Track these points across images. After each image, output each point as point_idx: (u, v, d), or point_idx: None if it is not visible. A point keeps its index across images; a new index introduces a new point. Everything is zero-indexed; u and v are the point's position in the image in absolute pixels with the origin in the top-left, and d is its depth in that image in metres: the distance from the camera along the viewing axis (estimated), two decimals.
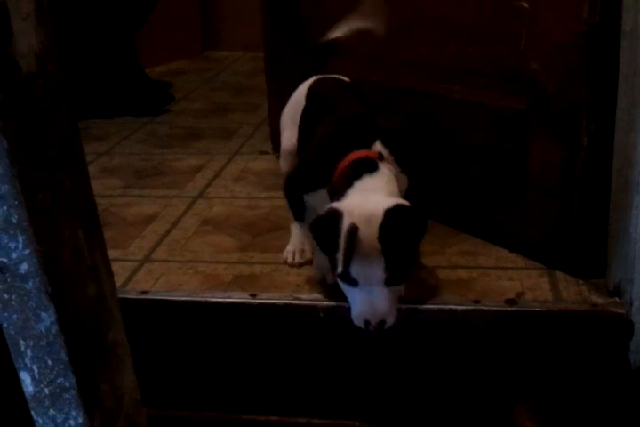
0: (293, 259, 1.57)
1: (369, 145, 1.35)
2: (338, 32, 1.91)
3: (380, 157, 1.33)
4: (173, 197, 1.97)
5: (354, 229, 1.18)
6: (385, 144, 1.36)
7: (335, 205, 1.25)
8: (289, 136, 1.65)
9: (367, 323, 1.22)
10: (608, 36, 1.33)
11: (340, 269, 1.19)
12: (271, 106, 2.23)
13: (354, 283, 1.22)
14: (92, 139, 2.46)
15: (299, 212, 1.52)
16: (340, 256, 1.18)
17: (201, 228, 1.78)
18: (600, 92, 1.36)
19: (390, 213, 1.21)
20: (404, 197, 1.34)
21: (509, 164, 1.54)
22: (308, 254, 1.57)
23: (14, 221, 0.68)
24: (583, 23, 1.33)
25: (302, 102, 1.61)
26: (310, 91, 1.62)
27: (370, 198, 1.25)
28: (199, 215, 1.85)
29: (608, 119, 1.36)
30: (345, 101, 1.53)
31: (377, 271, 1.19)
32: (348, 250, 1.17)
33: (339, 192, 1.30)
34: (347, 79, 1.65)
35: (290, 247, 1.60)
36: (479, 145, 1.59)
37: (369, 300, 1.21)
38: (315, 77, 1.67)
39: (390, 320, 1.23)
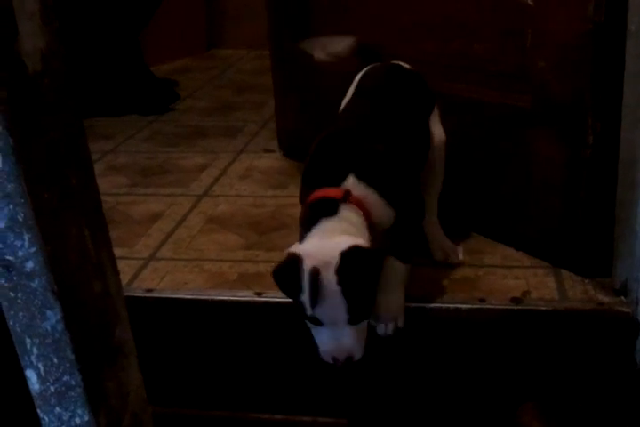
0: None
1: (339, 182, 1.28)
2: (345, 29, 1.90)
3: (345, 197, 1.26)
4: (179, 195, 1.98)
5: (316, 272, 1.18)
6: (361, 177, 1.28)
7: (294, 249, 1.24)
8: None
9: (335, 359, 1.23)
10: (614, 35, 1.33)
11: (308, 311, 1.19)
12: (277, 104, 2.24)
13: (319, 323, 1.22)
14: (98, 137, 2.46)
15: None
16: (305, 299, 1.19)
17: (206, 226, 1.78)
18: (606, 90, 1.36)
19: (345, 256, 1.19)
20: (391, 231, 1.33)
21: (514, 162, 1.54)
22: None
23: (20, 220, 0.68)
24: (589, 22, 1.33)
25: (351, 92, 1.54)
26: (359, 81, 1.54)
27: (327, 241, 1.23)
28: (205, 213, 1.85)
29: (614, 117, 1.36)
30: (349, 112, 1.46)
31: (340, 313, 1.19)
32: (313, 292, 1.18)
33: (301, 234, 1.30)
34: (406, 67, 1.55)
35: None
36: (483, 143, 1.59)
37: (334, 338, 1.22)
38: (371, 66, 1.57)
39: (357, 355, 1.23)
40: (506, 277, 1.49)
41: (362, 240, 1.23)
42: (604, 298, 1.40)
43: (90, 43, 2.70)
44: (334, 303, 1.18)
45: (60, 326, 0.71)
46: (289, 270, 1.22)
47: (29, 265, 0.69)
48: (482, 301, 1.41)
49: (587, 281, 1.46)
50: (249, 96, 2.97)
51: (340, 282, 1.17)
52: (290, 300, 1.43)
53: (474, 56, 1.57)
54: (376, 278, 1.25)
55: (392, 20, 1.75)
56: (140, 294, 1.48)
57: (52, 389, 0.74)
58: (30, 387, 0.76)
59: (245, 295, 1.47)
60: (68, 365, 0.73)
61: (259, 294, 1.46)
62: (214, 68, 3.56)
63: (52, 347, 0.73)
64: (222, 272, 1.56)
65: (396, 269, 1.34)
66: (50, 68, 0.68)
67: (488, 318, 1.40)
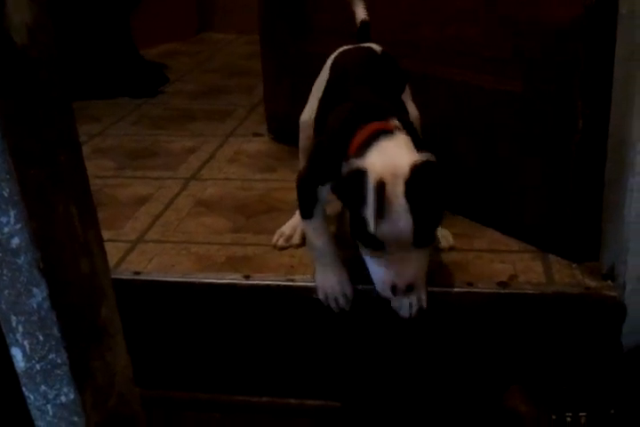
0: (277, 241, 1.57)
1: (385, 118, 1.26)
2: (336, 14, 1.89)
3: (398, 128, 1.23)
4: (167, 178, 1.97)
5: (382, 185, 1.11)
6: (401, 122, 1.27)
7: (356, 162, 1.17)
8: (309, 108, 1.56)
9: (394, 288, 1.16)
10: (605, 19, 1.33)
11: (371, 228, 1.11)
12: (266, 88, 2.23)
13: (379, 246, 1.15)
14: (86, 119, 2.44)
15: (308, 207, 1.36)
16: (369, 214, 1.11)
17: (194, 209, 1.77)
18: (596, 75, 1.36)
19: (416, 170, 1.13)
20: None
21: (505, 146, 1.54)
22: (295, 241, 1.56)
23: (5, 195, 0.67)
24: (580, 6, 1.33)
25: (326, 74, 1.54)
26: (334, 63, 1.54)
27: (392, 155, 1.16)
28: (193, 197, 1.84)
29: (604, 102, 1.36)
30: (358, 86, 1.43)
31: (405, 232, 1.12)
32: (379, 207, 1.10)
33: (359, 156, 1.19)
34: (378, 49, 1.54)
35: (281, 229, 1.60)
36: (475, 127, 1.59)
37: (398, 264, 1.15)
38: (342, 48, 1.57)
39: (419, 284, 1.18)
40: (493, 262, 1.49)
41: (430, 155, 1.17)
42: (591, 282, 1.41)
43: (79, 25, 2.68)
44: (400, 221, 1.12)
45: (47, 304, 0.71)
46: (352, 183, 1.15)
47: (15, 241, 0.69)
48: (470, 284, 1.41)
49: (574, 265, 1.46)
50: (238, 80, 2.95)
51: (408, 197, 1.11)
52: (277, 282, 1.44)
53: (468, 41, 1.56)
54: (445, 199, 1.19)
55: (388, 4, 1.74)
56: (127, 276, 1.48)
57: (38, 367, 0.74)
58: (15, 365, 0.75)
59: (233, 278, 1.47)
60: (53, 343, 0.72)
61: (246, 277, 1.46)
62: (204, 51, 3.54)
63: (38, 324, 0.72)
64: (210, 255, 1.55)
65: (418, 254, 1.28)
66: (37, 42, 0.67)
67: (476, 302, 1.40)
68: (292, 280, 1.45)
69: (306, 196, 1.36)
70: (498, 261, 1.49)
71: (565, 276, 1.43)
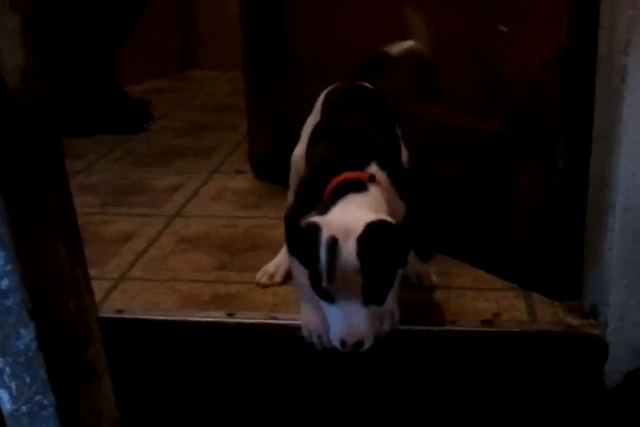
0: (260, 278, 1.58)
1: (362, 166, 1.28)
2: (318, 54, 1.92)
3: (372, 178, 1.26)
4: (151, 215, 1.97)
5: (334, 241, 1.12)
6: (382, 167, 1.29)
7: (314, 218, 1.19)
8: (300, 145, 1.58)
9: (343, 344, 1.17)
10: (585, 60, 1.35)
11: (323, 283, 1.12)
12: (250, 126, 2.24)
13: (331, 300, 1.17)
14: (70, 156, 2.42)
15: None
16: (321, 269, 1.12)
17: (178, 246, 1.77)
18: (576, 115, 1.38)
19: (371, 228, 1.14)
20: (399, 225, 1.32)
21: (486, 185, 1.55)
22: (277, 279, 1.57)
23: None
24: (561, 47, 1.35)
25: (318, 110, 1.56)
26: (325, 99, 1.56)
27: (351, 213, 1.19)
28: (177, 234, 1.84)
29: (584, 142, 1.38)
30: (349, 118, 1.44)
31: (355, 289, 1.14)
32: (330, 262, 1.11)
33: (323, 211, 1.22)
34: (369, 87, 1.57)
35: (265, 266, 1.60)
36: (455, 167, 1.60)
37: (346, 319, 1.16)
38: (333, 86, 1.59)
39: (367, 342, 1.17)
40: (476, 300, 1.50)
41: (389, 218, 1.18)
42: (573, 320, 1.41)
43: (64, 62, 2.69)
44: (350, 278, 1.13)
45: (34, 345, 0.71)
46: (306, 238, 1.16)
47: (4, 283, 0.69)
48: (453, 322, 1.42)
49: (556, 304, 1.47)
50: (222, 117, 2.97)
51: (359, 255, 1.12)
52: (261, 321, 1.44)
53: (447, 80, 1.59)
54: (400, 259, 1.19)
55: (365, 45, 1.76)
56: (110, 314, 1.47)
57: (24, 409, 0.74)
58: (2, 406, 0.75)
59: (217, 316, 1.46)
60: (40, 384, 0.72)
61: (230, 315, 1.46)
62: (188, 89, 3.56)
63: (25, 366, 0.72)
64: (194, 293, 1.55)
65: None
66: (29, 86, 0.68)
67: (459, 340, 1.40)
68: (276, 318, 1.45)
69: (291, 231, 1.35)
70: (481, 299, 1.50)
71: (548, 314, 1.44)
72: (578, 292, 1.46)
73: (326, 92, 1.59)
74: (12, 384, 0.73)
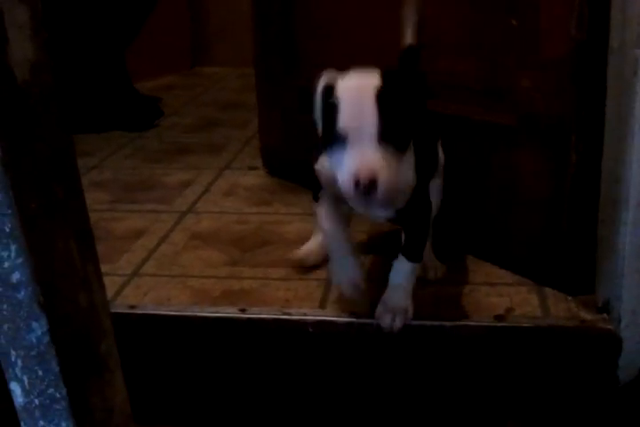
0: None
1: None
2: (329, 48, 1.91)
3: None
4: (162, 211, 1.97)
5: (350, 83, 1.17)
6: None
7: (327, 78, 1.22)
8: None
9: (357, 183, 1.12)
10: (596, 52, 1.34)
11: (340, 123, 1.13)
12: (261, 122, 2.24)
13: (344, 142, 1.14)
14: (81, 153, 2.45)
15: (315, 189, 1.39)
16: (339, 105, 1.14)
17: (190, 242, 1.77)
18: (589, 108, 1.37)
19: (390, 73, 1.18)
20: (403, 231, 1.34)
21: (499, 180, 1.55)
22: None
23: (7, 230, 0.67)
24: (572, 40, 1.35)
25: None
26: None
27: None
28: (188, 230, 1.84)
29: (597, 136, 1.37)
30: None
31: (370, 124, 1.13)
32: (331, 103, 1.15)
33: None
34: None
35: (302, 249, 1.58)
36: (468, 161, 1.60)
37: (359, 156, 1.12)
38: None
39: (383, 184, 1.11)
40: (489, 295, 1.49)
41: None
42: (586, 315, 1.41)
43: (75, 58, 2.70)
44: (365, 112, 1.13)
45: (46, 339, 0.71)
46: (324, 92, 1.19)
47: (16, 276, 0.69)
48: (465, 318, 1.41)
49: (570, 298, 1.47)
50: (233, 113, 2.97)
51: (378, 95, 1.14)
52: (273, 316, 1.44)
53: (460, 74, 1.58)
54: (420, 102, 1.21)
55: (379, 39, 1.76)
56: (123, 310, 1.47)
57: (37, 402, 0.74)
58: (14, 400, 0.75)
59: (229, 312, 1.46)
60: (52, 378, 0.72)
61: (242, 311, 1.46)
62: (199, 85, 3.56)
63: (37, 359, 0.72)
64: (206, 289, 1.55)
65: (405, 268, 1.36)
66: (38, 79, 0.68)
67: (472, 335, 1.40)
68: (289, 314, 1.45)
69: (314, 181, 1.37)
70: (494, 295, 1.49)
71: (561, 309, 1.43)
72: (591, 286, 1.46)
73: None
74: (25, 378, 0.73)
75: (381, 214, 1.36)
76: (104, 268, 1.60)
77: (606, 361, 1.37)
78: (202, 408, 1.49)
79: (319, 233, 1.55)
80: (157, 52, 3.52)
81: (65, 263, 0.73)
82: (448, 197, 1.64)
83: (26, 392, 0.74)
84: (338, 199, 1.34)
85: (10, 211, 0.67)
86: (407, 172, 1.28)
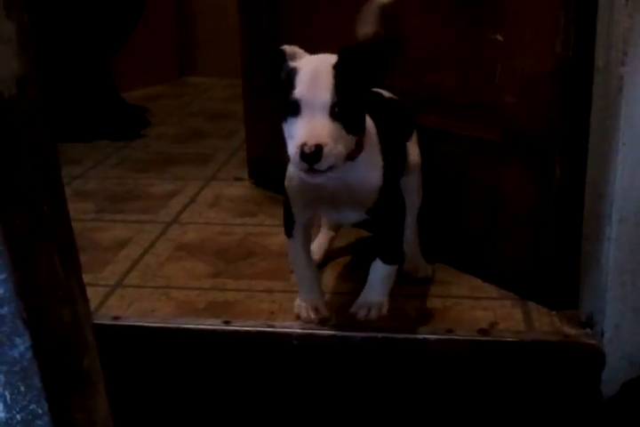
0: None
1: None
2: None
3: None
4: (147, 222, 1.97)
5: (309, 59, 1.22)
6: (371, 116, 1.33)
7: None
8: None
9: (302, 147, 1.14)
10: (581, 70, 1.35)
11: (295, 93, 1.17)
12: (248, 133, 2.24)
13: (296, 110, 1.17)
14: (67, 162, 2.44)
15: (287, 226, 1.41)
16: (295, 76, 1.19)
17: (174, 253, 1.77)
18: (573, 125, 1.38)
19: (351, 47, 1.23)
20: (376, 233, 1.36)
21: (483, 194, 1.55)
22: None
23: None
24: (557, 57, 1.36)
25: None
26: None
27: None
28: (173, 241, 1.84)
29: (581, 152, 1.38)
30: None
31: (323, 94, 1.16)
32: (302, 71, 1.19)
33: None
34: (386, 95, 1.57)
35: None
36: (452, 175, 1.60)
37: (309, 125, 1.15)
38: None
39: (329, 153, 1.14)
40: (473, 308, 1.50)
41: None
42: (570, 330, 1.41)
43: (61, 67, 2.69)
44: (321, 85, 1.16)
45: (29, 354, 0.71)
46: (278, 53, 1.24)
47: None
48: (449, 331, 1.41)
49: (553, 313, 1.47)
50: (220, 124, 2.97)
51: (335, 65, 1.19)
52: (257, 328, 1.44)
53: (445, 89, 1.59)
54: (377, 78, 1.24)
55: None
56: (106, 321, 1.47)
57: (19, 417, 0.73)
58: None
59: (213, 324, 1.46)
60: (35, 393, 0.72)
61: (227, 323, 1.46)
62: (185, 95, 3.56)
63: (20, 375, 0.72)
64: (190, 300, 1.55)
65: (383, 271, 1.39)
66: (24, 94, 0.67)
67: (455, 349, 1.40)
68: (272, 326, 1.45)
69: (286, 212, 1.41)
70: (478, 308, 1.50)
71: (545, 323, 1.44)
72: (575, 301, 1.46)
73: None
74: (7, 393, 0.73)
75: (352, 217, 1.41)
76: (88, 278, 1.60)
77: (589, 376, 1.38)
78: (185, 421, 1.49)
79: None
80: (144, 62, 3.52)
81: (49, 278, 0.73)
82: (432, 210, 1.64)
83: (8, 408, 0.74)
84: (308, 209, 1.38)
85: None
86: (373, 172, 1.31)
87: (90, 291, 1.54)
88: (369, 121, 1.32)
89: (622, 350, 1.37)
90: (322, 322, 1.44)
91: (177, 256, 1.76)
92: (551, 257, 1.47)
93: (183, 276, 1.66)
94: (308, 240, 1.45)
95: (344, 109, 1.17)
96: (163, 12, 3.66)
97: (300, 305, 1.46)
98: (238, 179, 2.28)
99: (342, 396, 1.44)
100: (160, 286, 1.62)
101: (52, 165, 0.73)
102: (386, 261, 1.38)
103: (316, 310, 1.45)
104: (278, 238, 1.78)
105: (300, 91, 1.17)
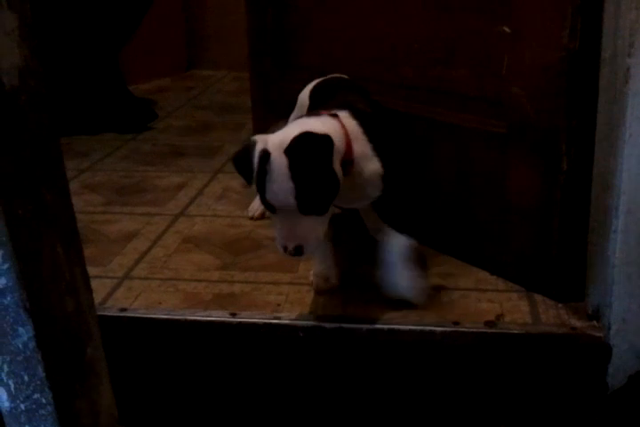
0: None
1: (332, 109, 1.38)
2: (323, 53, 1.92)
3: (333, 115, 1.36)
4: (155, 214, 1.97)
5: (265, 154, 1.23)
6: (355, 116, 1.38)
7: (255, 137, 1.28)
8: None
9: (285, 249, 1.25)
10: (588, 61, 1.35)
11: (263, 195, 1.23)
12: (256, 125, 2.24)
13: (273, 210, 1.25)
14: (75, 155, 2.45)
15: None
16: (257, 182, 1.24)
17: (182, 246, 1.77)
18: (580, 117, 1.38)
19: (297, 139, 1.23)
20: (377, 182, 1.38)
21: (490, 186, 1.55)
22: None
23: None
24: (563, 49, 1.35)
25: (306, 102, 1.63)
26: (314, 89, 1.64)
27: (291, 129, 1.28)
28: (180, 233, 1.84)
29: (588, 144, 1.38)
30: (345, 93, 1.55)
31: (288, 197, 1.21)
32: (262, 174, 1.22)
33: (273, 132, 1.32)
34: (347, 77, 1.63)
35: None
36: (460, 167, 1.60)
37: (286, 226, 1.24)
38: (318, 80, 1.67)
39: (308, 247, 1.25)
40: (480, 301, 1.50)
41: (324, 129, 1.27)
42: (576, 322, 1.41)
43: (69, 60, 2.70)
44: (283, 187, 1.21)
45: (32, 344, 0.71)
46: (243, 154, 1.27)
47: (2, 282, 0.69)
48: (456, 324, 1.41)
49: (560, 305, 1.47)
50: (228, 117, 2.97)
51: (289, 165, 1.21)
52: (264, 320, 1.44)
53: (452, 81, 1.58)
54: (326, 167, 1.26)
55: (372, 46, 1.76)
56: (113, 313, 1.48)
57: (23, 407, 0.74)
58: (0, 404, 0.75)
59: (220, 316, 1.46)
60: (38, 382, 0.72)
61: (233, 315, 1.46)
62: (193, 88, 3.56)
63: (23, 364, 0.72)
64: (197, 292, 1.55)
65: (398, 242, 1.44)
66: (27, 85, 0.68)
67: (462, 341, 1.40)
68: (279, 318, 1.45)
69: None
70: (484, 301, 1.49)
71: (551, 316, 1.44)
72: (581, 294, 1.46)
73: (313, 83, 1.65)
74: (11, 382, 0.73)
75: (358, 205, 1.51)
76: (95, 270, 1.62)
77: (596, 368, 1.37)
78: (191, 412, 1.49)
79: None
80: (153, 55, 3.52)
81: (51, 268, 0.73)
82: (440, 201, 1.64)
83: (12, 397, 0.74)
84: None
85: None
86: (372, 165, 1.37)
87: (97, 283, 1.56)
88: (349, 118, 1.37)
89: (629, 342, 1.36)
90: (331, 290, 1.51)
91: (184, 248, 1.76)
92: (558, 249, 1.46)
93: (190, 268, 1.66)
94: None
95: (310, 206, 1.24)
96: (171, 4, 3.66)
97: (314, 275, 1.53)
98: None
99: (348, 387, 1.45)
100: (167, 278, 1.62)
101: (54, 155, 0.73)
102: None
103: (327, 279, 1.51)
104: None
105: (268, 196, 1.24)
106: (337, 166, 1.29)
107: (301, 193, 1.21)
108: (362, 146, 1.36)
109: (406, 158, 1.55)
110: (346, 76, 1.65)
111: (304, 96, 1.64)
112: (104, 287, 1.57)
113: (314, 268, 1.54)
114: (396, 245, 1.44)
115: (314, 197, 1.24)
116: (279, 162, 1.22)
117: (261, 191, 1.24)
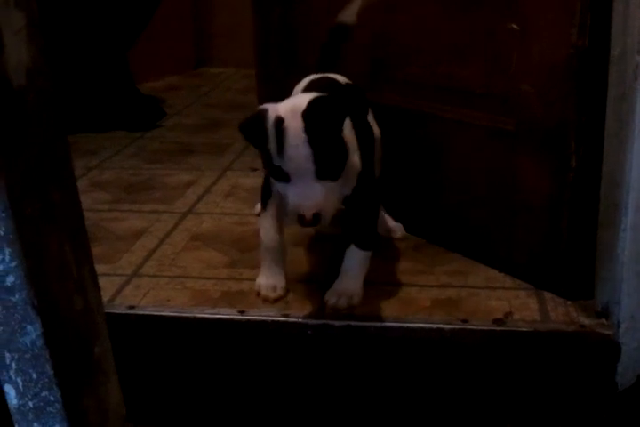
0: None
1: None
2: None
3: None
4: (163, 212, 1.97)
5: (280, 120, 1.21)
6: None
7: (264, 105, 1.27)
8: None
9: (302, 217, 1.21)
10: (597, 59, 1.34)
11: (274, 161, 1.21)
12: None
13: (286, 179, 1.23)
14: (83, 153, 2.46)
15: (263, 197, 1.49)
16: (272, 148, 1.21)
17: (190, 243, 1.77)
18: (589, 114, 1.37)
19: (313, 103, 1.23)
20: (349, 217, 1.41)
21: (498, 184, 1.55)
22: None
23: (1, 234, 0.68)
24: (572, 46, 1.35)
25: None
26: (308, 88, 1.60)
27: (300, 98, 1.29)
28: (189, 231, 1.85)
29: (597, 141, 1.37)
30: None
31: (306, 163, 1.20)
32: (278, 141, 1.20)
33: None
34: (341, 78, 1.62)
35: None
36: (468, 165, 1.60)
37: (302, 193, 1.21)
38: (311, 76, 1.65)
39: (326, 215, 1.22)
40: (489, 299, 1.49)
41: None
42: (585, 320, 1.41)
43: (77, 58, 2.70)
44: (300, 151, 1.19)
45: (40, 341, 0.71)
46: (255, 121, 1.26)
47: (10, 279, 0.69)
48: (464, 321, 1.41)
49: (569, 303, 1.47)
50: (236, 114, 2.96)
51: (306, 129, 1.20)
52: (272, 318, 1.44)
53: (460, 79, 1.58)
54: (340, 130, 1.26)
55: (379, 44, 1.76)
56: (122, 310, 1.48)
57: (31, 404, 0.74)
58: (8, 402, 0.75)
59: (228, 313, 1.46)
60: (46, 380, 0.73)
61: (242, 313, 1.46)
62: (202, 86, 3.56)
63: (32, 362, 0.72)
64: (205, 290, 1.55)
65: (358, 257, 1.42)
66: (34, 84, 0.68)
67: (470, 339, 1.40)
68: (287, 316, 1.45)
69: (264, 185, 1.47)
70: (493, 298, 1.49)
71: (560, 314, 1.43)
72: (590, 291, 1.45)
73: (306, 81, 1.63)
74: (19, 380, 0.74)
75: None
76: (104, 268, 1.62)
77: (605, 366, 1.37)
78: (199, 410, 1.50)
79: None
80: (161, 53, 3.52)
81: (59, 266, 0.73)
82: (449, 199, 1.64)
83: (20, 395, 0.74)
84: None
85: (4, 214, 0.67)
86: (352, 159, 1.34)
87: (106, 280, 1.56)
88: None
89: (638, 340, 1.36)
90: (276, 301, 1.48)
91: (193, 246, 1.76)
92: (567, 247, 1.46)
93: (199, 265, 1.66)
94: (280, 215, 1.47)
95: (326, 171, 1.22)
96: (179, 2, 3.66)
97: (260, 283, 1.50)
98: (254, 169, 2.28)
99: (357, 385, 1.45)
100: (176, 275, 1.62)
101: (62, 153, 0.73)
102: (361, 246, 1.41)
103: (275, 288, 1.50)
104: (293, 229, 1.78)
105: (283, 162, 1.21)
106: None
107: (319, 157, 1.20)
108: (349, 137, 1.35)
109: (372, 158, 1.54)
110: (340, 76, 1.64)
111: (298, 89, 1.64)
112: (112, 285, 1.57)
113: (259, 278, 1.52)
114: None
115: (331, 161, 1.22)
116: (294, 127, 1.20)
117: (275, 159, 1.22)
